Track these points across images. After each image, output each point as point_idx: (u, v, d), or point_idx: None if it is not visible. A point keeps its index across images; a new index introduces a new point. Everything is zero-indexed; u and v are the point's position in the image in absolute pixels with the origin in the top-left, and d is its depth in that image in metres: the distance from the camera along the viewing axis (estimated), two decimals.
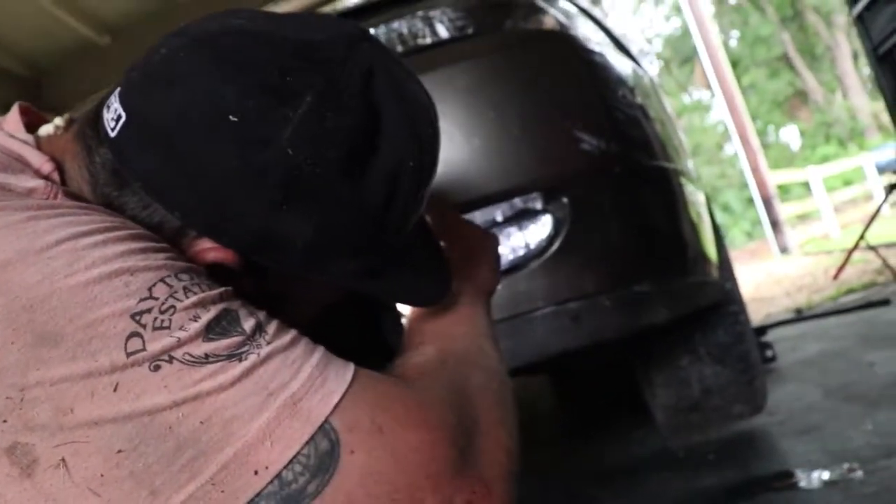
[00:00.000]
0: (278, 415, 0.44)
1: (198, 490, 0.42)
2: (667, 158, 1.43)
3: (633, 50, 1.75)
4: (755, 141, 9.27)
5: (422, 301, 0.66)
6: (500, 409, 0.56)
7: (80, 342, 0.42)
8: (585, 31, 1.41)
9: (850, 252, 5.04)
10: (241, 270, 0.55)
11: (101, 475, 0.41)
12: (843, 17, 18.86)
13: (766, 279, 6.61)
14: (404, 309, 0.75)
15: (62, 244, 0.45)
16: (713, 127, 21.72)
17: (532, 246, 1.15)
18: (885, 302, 3.37)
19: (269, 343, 0.46)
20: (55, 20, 2.29)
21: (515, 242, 1.16)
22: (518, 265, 1.14)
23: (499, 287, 1.15)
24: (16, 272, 0.43)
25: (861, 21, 3.26)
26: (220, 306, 0.47)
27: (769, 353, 2.75)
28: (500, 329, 1.13)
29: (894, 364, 2.25)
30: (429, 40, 1.25)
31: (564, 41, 1.28)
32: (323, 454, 0.44)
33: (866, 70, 19.13)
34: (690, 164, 1.73)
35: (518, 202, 1.16)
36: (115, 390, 0.42)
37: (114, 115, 0.53)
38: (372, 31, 1.25)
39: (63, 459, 0.41)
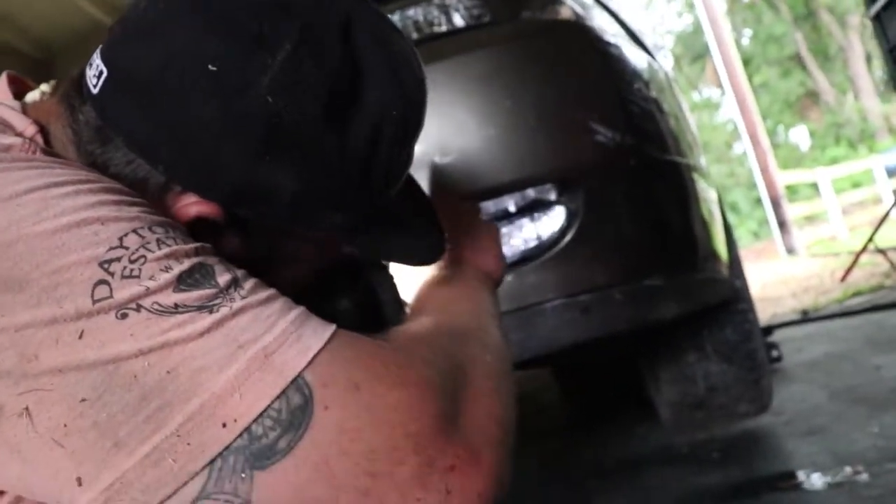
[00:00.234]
0: (248, 367, 0.42)
1: (163, 442, 0.41)
2: (680, 153, 1.42)
3: (649, 43, 1.74)
4: (765, 140, 9.23)
5: (413, 260, 0.66)
6: (493, 380, 0.54)
7: (46, 288, 0.41)
8: (602, 23, 1.40)
9: (859, 254, 5.02)
10: (226, 224, 0.54)
11: (65, 425, 0.41)
12: (857, 18, 18.75)
13: (773, 279, 6.59)
14: (407, 290, 0.75)
15: (32, 193, 0.44)
16: (722, 125, 21.65)
17: (544, 237, 1.14)
18: (893, 305, 3.35)
19: (243, 298, 0.45)
20: (67, 2, 2.29)
21: (528, 233, 1.15)
22: (530, 256, 1.14)
23: (509, 278, 1.16)
24: None
25: (878, 21, 3.23)
26: (194, 260, 0.46)
27: (775, 353, 2.74)
28: (511, 320, 1.13)
29: None
30: (444, 28, 1.24)
31: (581, 32, 1.27)
32: (295, 409, 0.43)
33: (879, 72, 19.03)
34: (703, 161, 1.72)
35: (532, 193, 1.15)
36: (80, 337, 0.41)
37: (95, 71, 0.53)
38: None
39: (27, 408, 0.41)
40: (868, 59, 19.40)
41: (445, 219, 0.74)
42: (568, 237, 1.13)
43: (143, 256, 0.44)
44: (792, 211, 9.42)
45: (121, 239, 0.44)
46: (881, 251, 4.74)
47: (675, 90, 1.67)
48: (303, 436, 0.42)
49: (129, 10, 0.55)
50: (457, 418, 0.48)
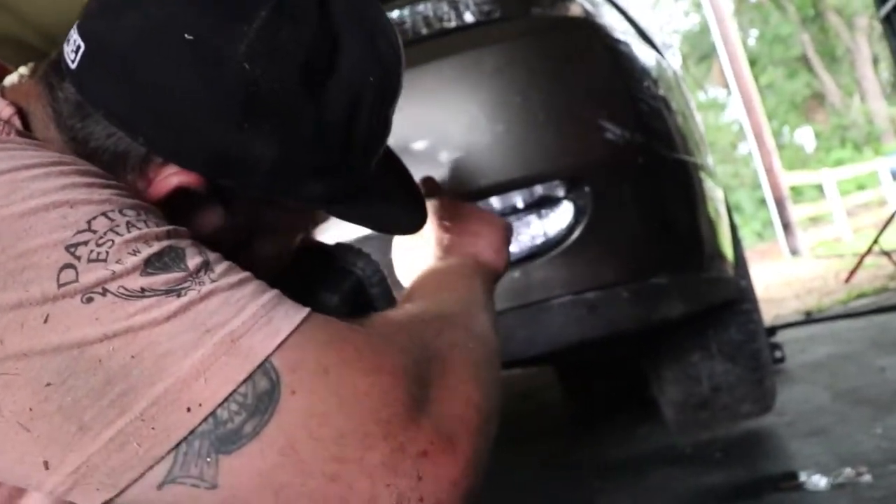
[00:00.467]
0: (214, 351, 0.42)
1: (127, 426, 0.41)
2: (688, 152, 1.42)
3: (657, 41, 1.73)
4: (770, 141, 9.21)
5: (394, 229, 0.67)
6: (473, 368, 0.53)
7: (12, 272, 0.41)
8: (611, 20, 1.40)
9: (863, 256, 5.01)
10: (207, 195, 0.54)
11: (30, 409, 0.40)
12: (865, 20, 18.69)
13: (776, 280, 6.58)
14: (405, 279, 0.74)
15: (2, 175, 0.44)
16: (728, 125, 21.62)
17: (552, 234, 1.14)
18: None
19: (213, 281, 0.44)
20: None
21: (535, 230, 1.15)
22: (537, 253, 1.13)
23: (516, 275, 1.16)
24: None
25: (888, 22, 3.22)
26: (164, 243, 0.45)
27: (778, 353, 2.74)
28: (518, 317, 1.13)
29: None
30: (454, 24, 1.24)
31: (592, 29, 1.27)
32: (261, 394, 0.42)
33: (885, 74, 18.98)
34: (710, 160, 1.71)
35: (540, 189, 1.15)
36: (45, 321, 0.41)
37: (73, 46, 0.53)
38: (397, 13, 1.24)
39: None
40: (875, 61, 19.34)
41: (451, 210, 0.75)
42: (575, 234, 1.13)
43: (111, 240, 0.43)
44: (796, 212, 9.41)
45: (89, 222, 0.44)
46: (886, 253, 4.73)
47: (683, 88, 1.67)
48: (269, 420, 0.42)
49: None
50: (431, 405, 0.47)
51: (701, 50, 20.57)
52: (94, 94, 0.52)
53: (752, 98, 9.15)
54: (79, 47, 0.52)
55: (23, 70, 0.60)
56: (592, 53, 1.24)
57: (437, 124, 1.15)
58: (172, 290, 0.43)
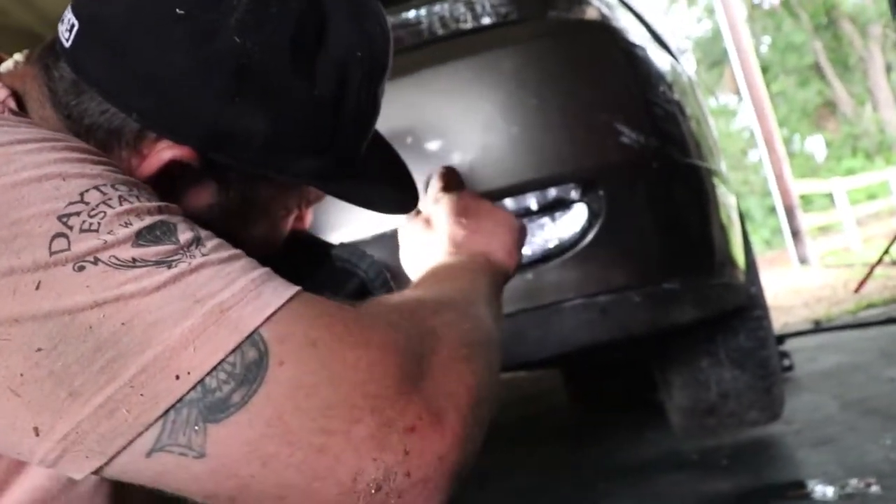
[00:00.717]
0: (204, 321, 0.42)
1: (116, 392, 0.41)
2: (701, 157, 1.42)
3: (672, 46, 1.73)
4: (781, 149, 9.18)
5: (385, 208, 0.67)
6: (467, 349, 0.53)
7: (4, 239, 0.42)
8: (627, 24, 1.40)
9: (874, 266, 4.98)
10: (201, 170, 0.55)
11: (21, 374, 0.41)
12: (879, 28, 18.60)
13: (784, 288, 6.56)
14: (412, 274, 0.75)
15: None
16: (738, 132, 21.54)
17: (565, 237, 1.14)
18: None
19: (204, 255, 0.45)
20: None
21: (549, 232, 1.15)
22: (550, 255, 1.13)
23: (528, 276, 1.16)
24: None
25: None
26: (156, 217, 0.46)
27: (787, 362, 2.73)
28: (529, 318, 1.13)
29: None
30: (470, 25, 1.24)
31: (608, 32, 1.26)
32: (250, 364, 0.43)
33: None
34: (723, 166, 1.71)
35: (554, 191, 1.15)
36: (37, 288, 0.41)
37: (67, 25, 0.54)
38: (413, 13, 1.25)
39: None
40: (888, 69, 19.24)
41: (467, 206, 0.75)
42: (589, 237, 1.13)
43: (104, 212, 0.44)
44: (806, 221, 9.36)
45: (82, 194, 0.44)
46: None
47: (697, 93, 1.66)
48: (257, 390, 0.42)
49: None
50: (421, 381, 0.47)
51: (712, 56, 20.51)
52: (88, 70, 0.53)
53: (763, 105, 9.11)
54: (73, 26, 0.53)
55: (18, 56, 0.61)
56: (608, 57, 1.24)
57: (452, 125, 1.15)
58: (163, 262, 0.43)
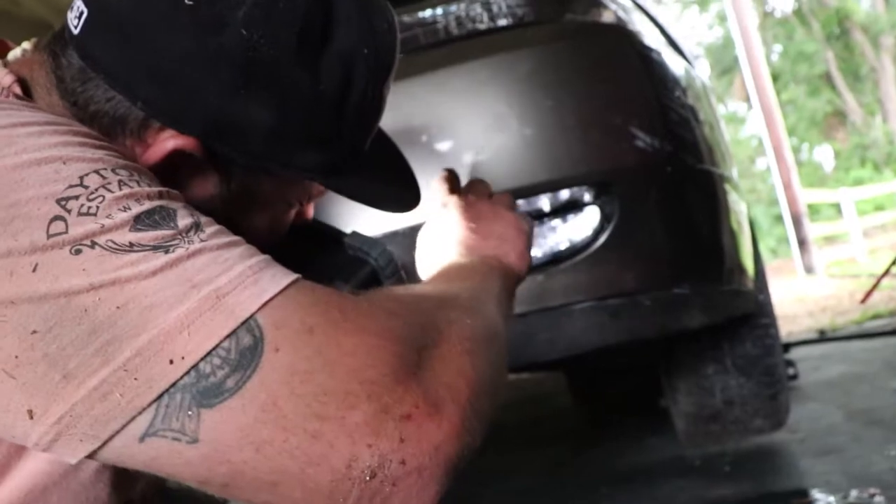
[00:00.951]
0: (199, 306, 0.42)
1: (111, 375, 0.41)
2: (714, 163, 1.42)
3: (686, 51, 1.73)
4: (790, 157, 9.15)
5: (386, 206, 0.67)
6: (469, 343, 0.52)
7: (3, 221, 0.42)
8: (643, 28, 1.40)
9: (881, 277, 4.97)
10: (203, 161, 0.55)
11: (16, 356, 0.41)
12: (890, 39, 18.53)
13: (789, 297, 6.54)
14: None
15: None
16: (747, 140, 21.49)
17: (578, 239, 1.14)
18: None
19: (202, 241, 0.45)
20: None
21: (561, 234, 1.15)
22: (562, 257, 1.13)
23: (540, 278, 1.16)
24: None
25: None
26: (155, 202, 0.46)
27: (791, 370, 2.72)
28: (540, 320, 1.13)
29: None
30: (486, 26, 1.24)
31: (624, 36, 1.27)
32: (244, 349, 0.42)
33: None
34: (735, 172, 1.71)
35: (567, 194, 1.15)
36: (33, 270, 0.41)
37: (76, 12, 0.54)
38: (430, 12, 1.25)
39: None
40: None
41: (478, 210, 0.75)
42: (601, 240, 1.13)
43: (102, 196, 0.44)
44: (813, 230, 9.33)
45: (81, 178, 0.44)
46: None
47: (710, 99, 1.66)
48: (251, 376, 0.42)
49: None
50: (420, 370, 0.46)
51: (723, 64, 20.46)
52: (96, 57, 0.53)
53: (773, 113, 9.09)
54: (81, 13, 0.54)
55: (26, 45, 0.61)
56: (625, 60, 1.24)
57: (467, 125, 1.15)
58: (160, 247, 0.43)
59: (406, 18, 1.25)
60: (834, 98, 20.46)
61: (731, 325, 1.60)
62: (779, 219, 12.04)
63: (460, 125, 1.15)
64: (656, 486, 1.82)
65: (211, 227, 0.47)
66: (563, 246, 1.15)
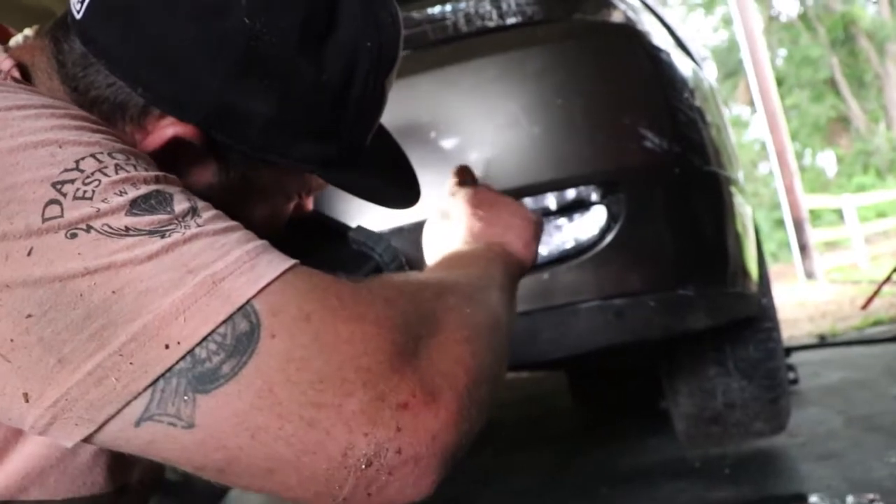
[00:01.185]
0: (195, 292, 0.42)
1: (106, 360, 0.41)
2: (720, 165, 1.41)
3: (694, 52, 1.73)
4: (793, 162, 9.14)
5: (385, 201, 0.67)
6: (469, 331, 0.52)
7: None
8: (652, 28, 1.40)
9: (883, 283, 4.96)
10: (203, 149, 0.55)
11: (11, 340, 0.41)
12: (895, 46, 18.51)
13: (790, 302, 6.53)
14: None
15: None
16: (750, 144, 21.48)
17: (584, 238, 1.14)
18: None
19: (199, 226, 0.45)
20: None
21: (567, 233, 1.15)
22: (568, 256, 1.13)
23: (545, 276, 1.16)
24: None
25: None
26: (152, 187, 0.45)
27: (792, 375, 2.72)
28: (545, 318, 1.13)
29: None
30: (495, 24, 1.24)
31: (633, 36, 1.26)
32: (240, 335, 0.42)
33: None
34: (741, 175, 1.71)
35: (574, 192, 1.15)
36: (28, 254, 0.41)
37: None
38: (439, 8, 1.25)
39: None
40: None
41: (485, 199, 0.75)
42: (607, 239, 1.13)
43: (98, 180, 0.44)
44: (814, 235, 9.33)
45: (77, 162, 0.44)
46: None
47: (717, 100, 1.66)
48: (247, 362, 0.42)
49: None
50: (417, 359, 0.46)
51: (727, 67, 20.44)
52: (97, 43, 0.53)
53: (776, 118, 9.08)
54: None
55: (28, 31, 0.61)
56: (634, 60, 1.24)
57: (475, 122, 1.15)
58: (156, 231, 0.43)
59: (415, 14, 1.25)
60: (838, 104, 20.44)
61: (733, 327, 1.60)
62: (780, 223, 12.04)
63: (468, 122, 1.15)
64: (656, 488, 1.82)
65: (208, 212, 0.46)
66: (570, 245, 1.15)
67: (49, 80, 0.55)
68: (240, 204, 0.59)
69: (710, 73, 1.82)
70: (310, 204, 0.74)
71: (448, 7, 1.27)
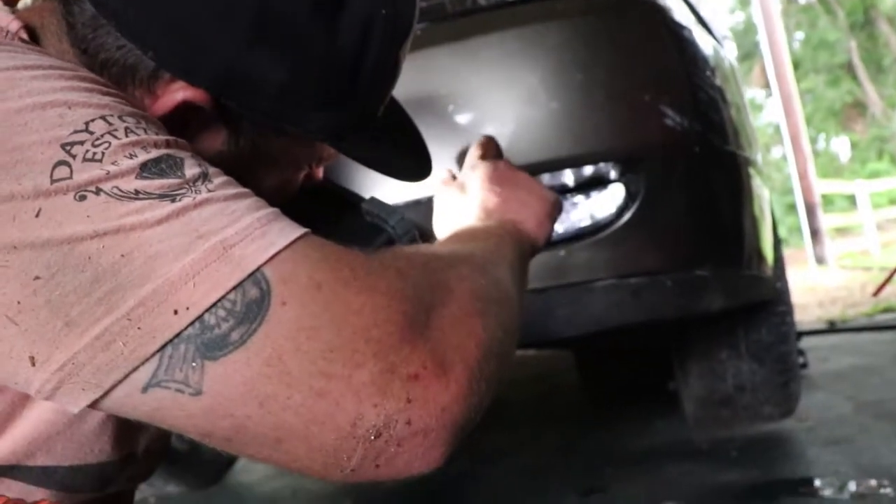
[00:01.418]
0: (205, 257, 0.41)
1: (113, 324, 0.40)
2: (739, 146, 1.40)
3: (715, 30, 1.70)
4: (807, 147, 9.06)
5: (395, 173, 0.66)
6: (480, 303, 0.51)
7: (5, 165, 0.41)
8: (674, 4, 1.37)
9: (895, 271, 4.93)
10: (212, 115, 0.54)
11: (18, 302, 0.40)
12: None
13: (800, 286, 6.51)
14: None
15: (1, 73, 0.44)
16: (763, 128, 21.29)
17: (601, 216, 1.13)
18: None
19: (209, 191, 0.44)
20: None
21: (585, 210, 1.14)
22: (585, 233, 1.12)
23: (562, 253, 1.15)
24: None
25: None
26: (163, 151, 0.45)
27: (801, 360, 2.71)
28: (560, 296, 1.12)
29: None
30: None
31: (656, 11, 1.24)
32: (250, 302, 0.42)
33: None
34: (759, 157, 1.69)
35: (593, 169, 1.13)
36: (37, 216, 0.41)
37: None
38: None
39: None
40: None
41: (502, 175, 0.74)
42: (625, 217, 1.12)
43: (108, 142, 0.43)
44: (826, 221, 9.27)
45: (87, 123, 0.43)
46: None
47: (737, 80, 1.64)
48: (256, 329, 0.41)
49: None
50: (428, 330, 0.46)
51: (743, 49, 20.19)
52: (108, 5, 0.52)
53: (792, 102, 8.98)
54: None
55: None
56: (656, 36, 1.21)
57: (495, 95, 1.14)
58: (167, 195, 0.43)
59: None
60: (854, 88, 20.19)
61: (747, 310, 1.59)
62: (792, 208, 11.95)
63: (487, 95, 1.14)
64: (663, 469, 1.82)
65: (219, 178, 0.46)
66: (586, 222, 1.13)
67: (58, 42, 0.54)
68: (249, 172, 0.57)
69: (730, 52, 1.80)
70: (320, 174, 0.73)
71: None
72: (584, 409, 2.80)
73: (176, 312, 0.41)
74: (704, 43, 1.40)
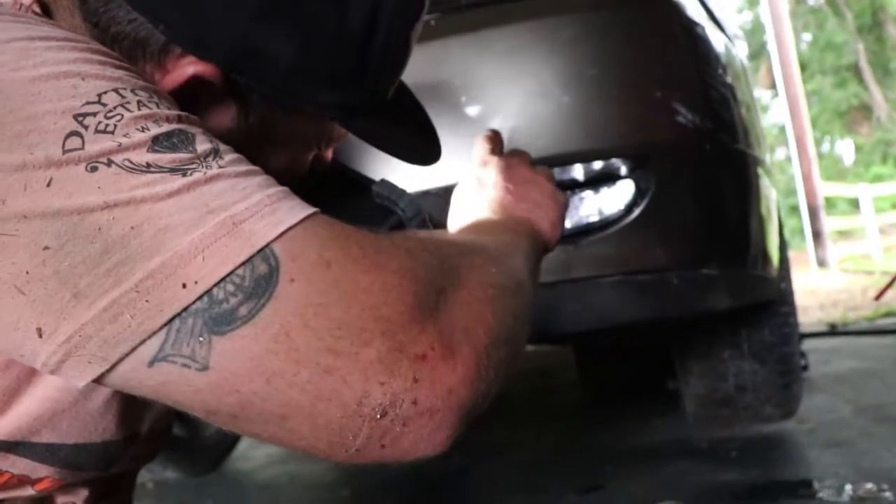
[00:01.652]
0: (215, 232, 0.41)
1: (122, 296, 0.40)
2: (749, 145, 1.39)
3: (727, 29, 1.69)
4: (812, 149, 9.05)
5: (404, 155, 0.66)
6: (491, 290, 0.51)
7: (18, 134, 0.41)
8: (686, 1, 1.36)
9: None
10: (222, 91, 0.54)
11: (27, 272, 0.40)
12: None
13: (801, 289, 6.50)
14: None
15: (14, 42, 0.44)
16: (769, 129, 21.25)
17: (610, 211, 1.13)
18: None
19: (220, 167, 0.44)
20: None
21: (594, 205, 1.13)
22: (593, 229, 1.12)
23: (570, 248, 1.14)
24: None
25: None
26: (174, 125, 0.45)
27: (802, 361, 2.71)
28: (568, 291, 1.12)
29: None
30: None
31: (670, 7, 1.23)
32: (259, 278, 0.41)
33: None
34: (767, 157, 1.68)
35: (603, 164, 1.13)
36: (48, 185, 0.41)
37: None
38: None
39: None
40: None
41: (516, 173, 0.74)
42: (634, 214, 1.12)
43: (121, 115, 0.43)
44: (828, 224, 9.26)
45: (99, 95, 0.43)
46: None
47: (748, 79, 1.63)
48: (265, 305, 0.41)
49: None
50: (438, 311, 0.46)
51: (751, 49, 20.12)
52: None
53: (798, 103, 8.96)
54: None
55: None
56: (669, 32, 1.21)
57: (506, 88, 1.13)
58: (178, 170, 0.42)
59: None
60: (860, 91, 20.14)
61: (751, 310, 1.59)
62: (794, 209, 11.94)
63: (499, 88, 1.13)
64: (662, 468, 1.82)
65: (230, 155, 0.46)
66: (595, 217, 1.13)
67: (70, 16, 0.54)
68: (258, 151, 0.57)
69: (741, 51, 1.79)
70: (329, 156, 0.73)
71: None
72: (584, 406, 2.80)
73: (184, 286, 0.41)
74: (716, 40, 1.39)
